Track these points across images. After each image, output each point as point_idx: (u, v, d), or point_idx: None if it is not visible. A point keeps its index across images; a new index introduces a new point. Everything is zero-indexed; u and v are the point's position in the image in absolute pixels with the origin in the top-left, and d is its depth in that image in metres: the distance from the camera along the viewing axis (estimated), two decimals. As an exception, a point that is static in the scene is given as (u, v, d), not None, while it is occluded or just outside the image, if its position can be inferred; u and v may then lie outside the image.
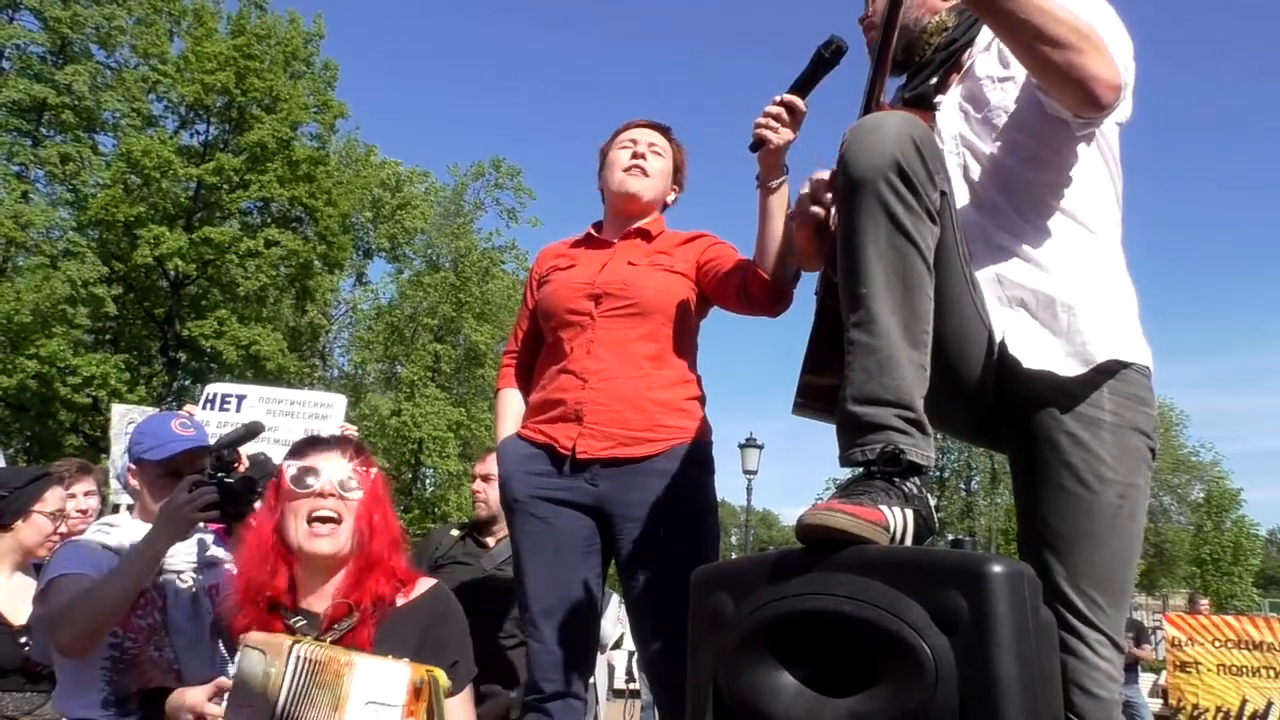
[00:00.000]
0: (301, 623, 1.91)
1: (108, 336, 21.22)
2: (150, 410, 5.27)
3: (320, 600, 1.99)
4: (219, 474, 2.25)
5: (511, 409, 2.60)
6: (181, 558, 2.46)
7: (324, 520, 1.95)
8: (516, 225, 28.59)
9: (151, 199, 20.18)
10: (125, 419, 5.10)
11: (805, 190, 1.95)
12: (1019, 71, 1.75)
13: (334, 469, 1.99)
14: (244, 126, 21.05)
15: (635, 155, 2.55)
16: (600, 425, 2.33)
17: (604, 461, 2.32)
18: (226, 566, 2.57)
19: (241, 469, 2.38)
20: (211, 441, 2.54)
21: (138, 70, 20.83)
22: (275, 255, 20.91)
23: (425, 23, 76.39)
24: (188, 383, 21.74)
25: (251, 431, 2.37)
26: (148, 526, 2.35)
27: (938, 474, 36.76)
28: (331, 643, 1.85)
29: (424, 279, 26.56)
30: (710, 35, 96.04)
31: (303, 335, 24.42)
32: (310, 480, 1.97)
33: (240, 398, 4.33)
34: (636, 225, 2.57)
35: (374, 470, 2.04)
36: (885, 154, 1.46)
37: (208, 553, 2.57)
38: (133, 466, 2.53)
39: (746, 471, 19.08)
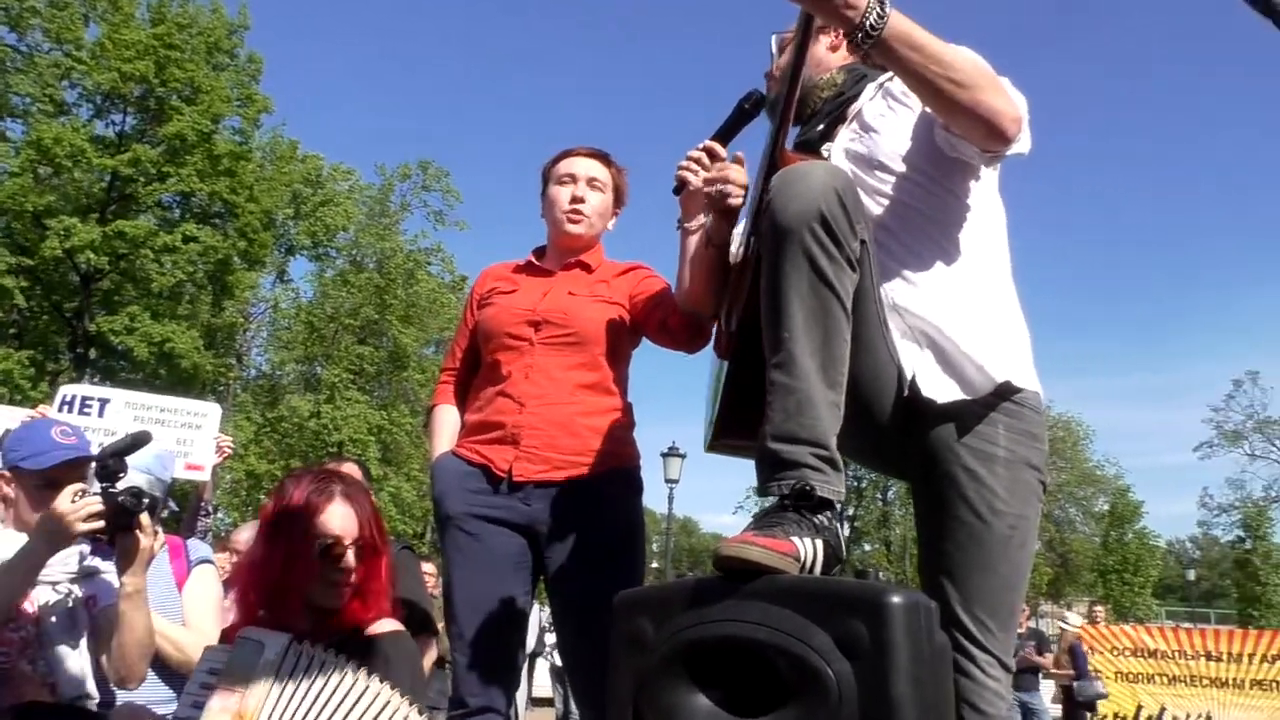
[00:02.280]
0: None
1: (12, 331, 20.40)
2: (23, 412, 5.00)
3: (312, 622, 2.06)
4: (104, 484, 2.17)
5: (447, 426, 2.62)
6: (58, 568, 2.38)
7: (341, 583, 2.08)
8: (444, 227, 28.37)
9: (62, 189, 19.50)
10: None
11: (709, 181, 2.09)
12: (905, 115, 1.90)
13: (352, 537, 2.08)
14: (163, 118, 20.46)
15: (574, 199, 2.59)
16: (536, 449, 2.39)
17: (538, 483, 2.38)
18: (104, 576, 2.51)
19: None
20: (94, 450, 2.45)
21: (50, 55, 20.10)
22: (193, 251, 20.35)
23: (357, 20, 75.16)
24: (96, 380, 21.03)
25: (139, 441, 2.29)
26: (21, 537, 2.29)
27: (855, 483, 37.50)
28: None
29: (349, 278, 26.14)
30: (647, 36, 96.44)
31: (219, 333, 23.81)
32: (339, 561, 2.06)
33: (103, 401, 4.02)
34: (577, 258, 2.62)
35: (379, 528, 2.15)
36: (810, 204, 1.55)
37: (86, 562, 2.51)
38: (6, 474, 2.42)
39: (668, 480, 19.24)
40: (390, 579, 2.18)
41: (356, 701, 1.83)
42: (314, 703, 1.81)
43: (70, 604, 2.40)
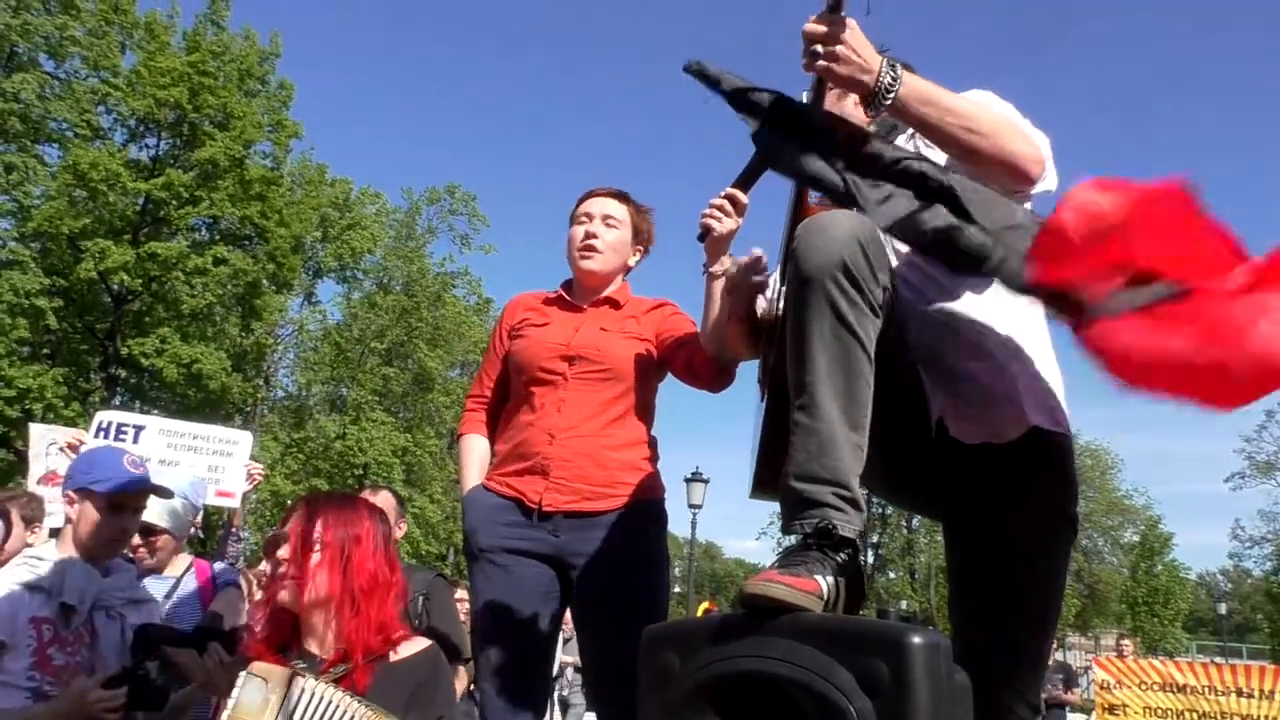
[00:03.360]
0: (301, 666, 1.99)
1: (46, 351, 20.73)
2: (74, 431, 5.10)
3: (320, 645, 2.09)
4: (138, 658, 2.26)
5: (477, 457, 2.68)
6: (115, 594, 2.47)
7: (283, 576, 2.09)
8: (469, 251, 28.63)
9: (97, 212, 19.85)
10: (45, 440, 4.97)
11: (735, 269, 2.16)
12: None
13: (292, 528, 2.10)
14: (195, 143, 20.84)
15: (588, 235, 2.66)
16: (565, 480, 2.45)
17: (567, 514, 2.44)
18: (150, 605, 2.61)
19: None
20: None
21: (87, 82, 20.54)
22: (223, 274, 20.67)
23: (385, 46, 76.26)
24: (127, 400, 21.32)
25: (171, 633, 2.37)
26: (76, 558, 2.38)
27: (880, 511, 37.25)
28: (332, 683, 1.94)
29: (376, 301, 26.42)
30: (669, 62, 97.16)
31: (248, 355, 24.08)
32: (271, 549, 2.11)
33: (138, 428, 4.09)
34: (604, 295, 2.69)
35: (343, 530, 2.12)
36: (833, 254, 1.59)
37: (138, 591, 2.59)
38: (72, 494, 2.49)
39: (691, 506, 19.18)
40: (385, 590, 2.15)
41: None
42: None
43: (122, 630, 2.46)
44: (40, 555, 2.47)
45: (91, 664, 2.38)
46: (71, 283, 20.04)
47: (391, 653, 2.09)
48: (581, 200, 2.73)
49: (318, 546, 2.07)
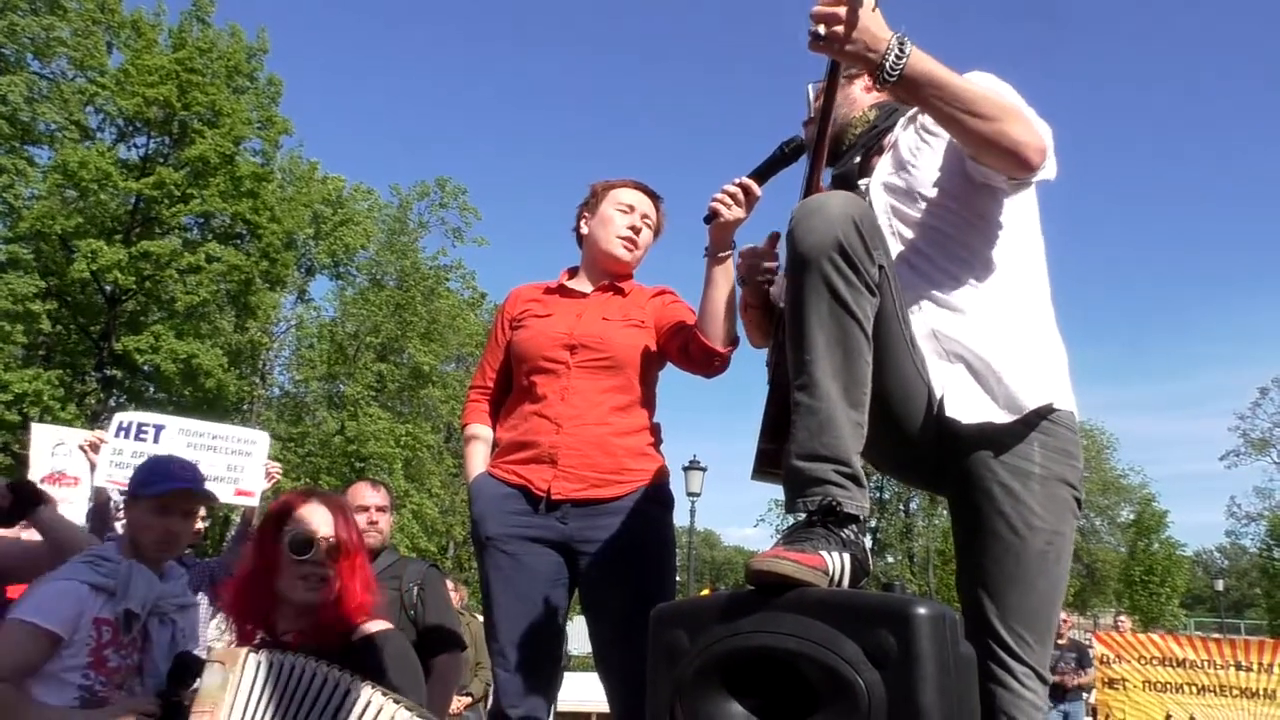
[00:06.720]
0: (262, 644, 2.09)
1: (41, 353, 20.68)
2: (80, 432, 5.11)
3: (294, 626, 2.18)
4: (171, 686, 2.28)
5: (482, 444, 2.70)
6: (171, 600, 2.51)
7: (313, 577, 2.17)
8: (462, 244, 28.61)
9: (88, 211, 19.79)
10: (50, 440, 4.97)
11: (740, 261, 2.21)
12: (938, 145, 1.95)
13: (326, 533, 2.18)
14: (185, 140, 20.78)
15: (633, 228, 2.71)
16: (573, 468, 2.47)
17: (575, 502, 2.46)
18: (193, 612, 2.65)
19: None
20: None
21: (75, 82, 20.44)
22: (216, 271, 20.62)
23: (373, 41, 75.92)
24: (123, 400, 21.29)
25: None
26: (138, 564, 2.41)
27: (878, 495, 37.37)
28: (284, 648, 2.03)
29: (370, 296, 26.38)
30: (660, 57, 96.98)
31: (243, 352, 24.03)
32: (306, 550, 2.16)
33: (158, 428, 4.14)
34: (611, 281, 2.73)
35: (356, 531, 2.25)
36: (828, 234, 1.62)
37: (187, 595, 2.63)
38: (127, 501, 2.56)
39: (690, 494, 19.22)
40: (368, 581, 2.27)
41: (334, 699, 1.91)
42: (288, 708, 1.89)
43: (173, 635, 2.50)
44: (105, 555, 2.48)
45: (142, 667, 2.41)
46: (65, 283, 20.00)
47: (354, 634, 2.19)
48: (618, 186, 2.77)
49: (353, 550, 2.21)
